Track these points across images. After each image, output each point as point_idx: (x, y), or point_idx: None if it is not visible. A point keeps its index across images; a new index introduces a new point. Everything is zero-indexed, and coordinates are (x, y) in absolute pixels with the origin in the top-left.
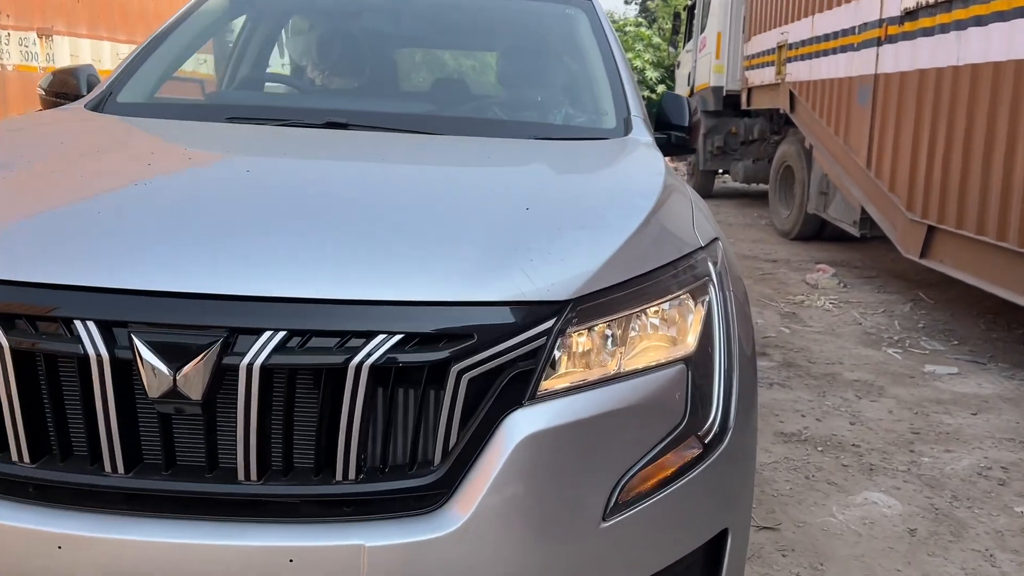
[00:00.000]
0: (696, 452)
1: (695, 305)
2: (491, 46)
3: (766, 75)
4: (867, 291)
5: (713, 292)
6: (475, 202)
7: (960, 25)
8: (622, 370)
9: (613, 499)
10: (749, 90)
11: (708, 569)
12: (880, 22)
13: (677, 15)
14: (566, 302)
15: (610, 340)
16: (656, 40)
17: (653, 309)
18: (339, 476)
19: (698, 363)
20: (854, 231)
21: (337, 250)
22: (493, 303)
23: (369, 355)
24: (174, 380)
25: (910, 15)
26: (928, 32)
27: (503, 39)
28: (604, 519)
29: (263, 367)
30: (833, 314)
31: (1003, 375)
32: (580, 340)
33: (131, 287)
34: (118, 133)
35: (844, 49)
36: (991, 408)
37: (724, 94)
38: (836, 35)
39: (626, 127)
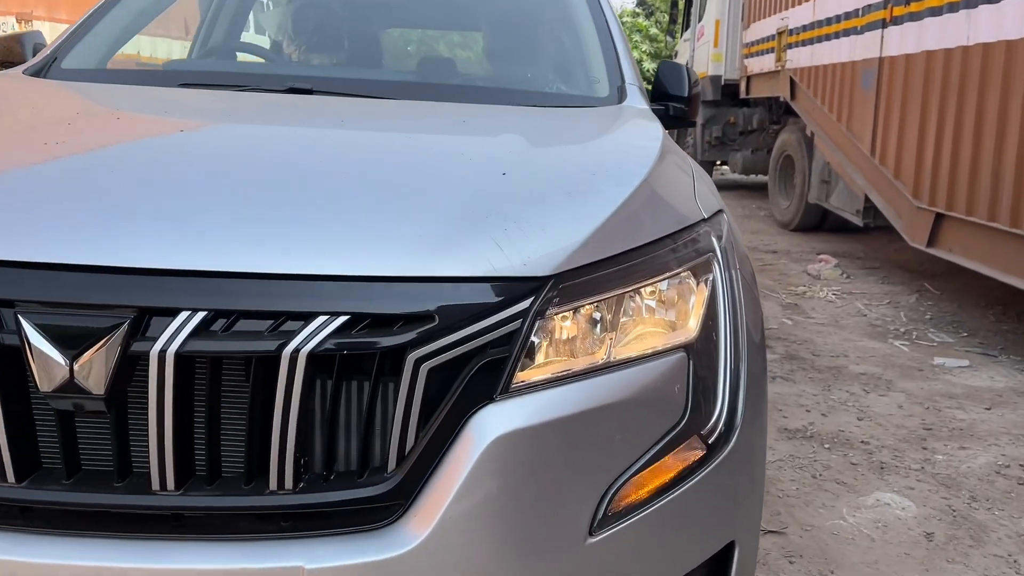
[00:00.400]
0: (698, 454)
1: (697, 284)
2: (480, 17)
3: (766, 62)
4: (871, 282)
5: (718, 270)
6: (443, 166)
7: (970, 3)
8: (612, 359)
9: (601, 510)
10: (748, 78)
11: None
12: (885, 3)
13: (675, 3)
14: (546, 279)
15: (598, 324)
16: (654, 31)
17: (649, 288)
18: (274, 485)
19: (701, 351)
20: (857, 220)
21: (271, 216)
22: (458, 279)
23: (307, 340)
24: (71, 371)
25: None
26: (936, 12)
27: (493, 9)
28: (591, 534)
29: (178, 354)
30: (836, 305)
31: (1015, 368)
32: (563, 324)
33: (18, 259)
34: (48, 97)
35: (847, 33)
36: (1005, 402)
37: (723, 83)
38: (839, 19)
39: (620, 95)
